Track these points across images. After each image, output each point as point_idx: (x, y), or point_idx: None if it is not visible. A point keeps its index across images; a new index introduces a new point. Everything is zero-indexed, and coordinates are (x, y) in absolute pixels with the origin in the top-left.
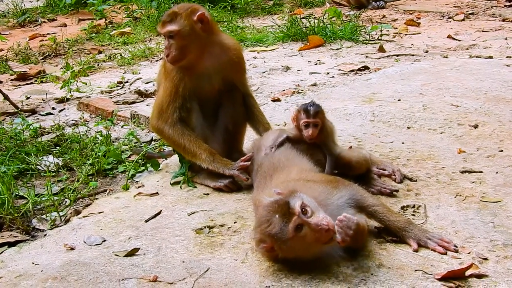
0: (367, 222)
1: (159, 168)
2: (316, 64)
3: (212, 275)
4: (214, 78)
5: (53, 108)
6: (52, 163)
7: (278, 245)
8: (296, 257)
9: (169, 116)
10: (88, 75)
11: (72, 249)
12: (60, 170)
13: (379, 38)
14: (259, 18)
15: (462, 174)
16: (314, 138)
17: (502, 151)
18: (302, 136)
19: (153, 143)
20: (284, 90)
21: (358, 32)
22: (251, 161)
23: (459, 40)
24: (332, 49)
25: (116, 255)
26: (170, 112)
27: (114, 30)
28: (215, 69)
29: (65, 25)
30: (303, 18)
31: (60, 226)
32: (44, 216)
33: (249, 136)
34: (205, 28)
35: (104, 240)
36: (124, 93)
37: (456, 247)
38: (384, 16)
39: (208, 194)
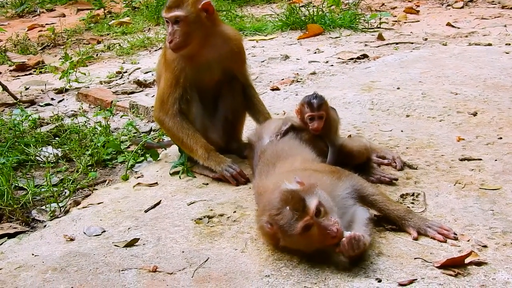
0: (372, 231)
1: (158, 158)
2: (315, 52)
3: (211, 265)
4: (215, 68)
5: (52, 99)
6: (51, 154)
7: (282, 235)
8: (296, 249)
9: (169, 107)
10: (87, 66)
11: (71, 240)
12: (59, 161)
13: (378, 26)
14: (258, 7)
15: (461, 161)
16: (320, 130)
17: (501, 138)
18: (305, 125)
19: (152, 133)
20: (283, 79)
21: (357, 20)
22: (252, 147)
23: (458, 28)
24: (331, 37)
25: (115, 245)
26: (171, 103)
27: (113, 20)
28: (215, 59)
29: (64, 15)
30: (302, 6)
31: (60, 217)
32: (43, 207)
33: (248, 125)
34: (209, 18)
35: (104, 231)
36: (123, 83)
37: (456, 234)
38: (383, 4)
39: (207, 184)
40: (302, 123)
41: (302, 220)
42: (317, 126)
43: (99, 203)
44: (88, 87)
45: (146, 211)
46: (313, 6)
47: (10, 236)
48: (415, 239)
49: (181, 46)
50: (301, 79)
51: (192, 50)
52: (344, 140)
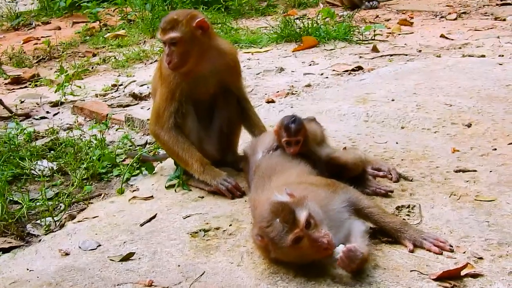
0: (369, 244)
1: (154, 172)
2: (310, 65)
3: (207, 279)
4: (210, 82)
5: (47, 112)
6: (46, 167)
7: (273, 247)
8: (289, 261)
9: (165, 121)
10: (82, 78)
11: (67, 254)
12: (54, 174)
13: (373, 38)
14: (253, 19)
15: (456, 173)
16: (296, 153)
17: (495, 149)
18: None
19: (147, 146)
20: (278, 92)
21: (352, 32)
22: (247, 160)
23: (452, 39)
24: (326, 49)
25: (111, 260)
26: (166, 117)
27: (108, 32)
28: (211, 73)
29: (59, 28)
30: (297, 19)
31: (55, 231)
32: (38, 221)
33: (244, 138)
34: (204, 34)
35: (99, 245)
36: (118, 96)
37: (452, 246)
38: (377, 16)
39: (203, 197)
40: (279, 144)
41: (292, 233)
42: (293, 151)
43: (94, 217)
44: (84, 100)
45: (141, 225)
46: (308, 18)
47: (5, 251)
48: (411, 251)
49: (179, 65)
50: (296, 91)
51: (189, 67)
52: (338, 152)
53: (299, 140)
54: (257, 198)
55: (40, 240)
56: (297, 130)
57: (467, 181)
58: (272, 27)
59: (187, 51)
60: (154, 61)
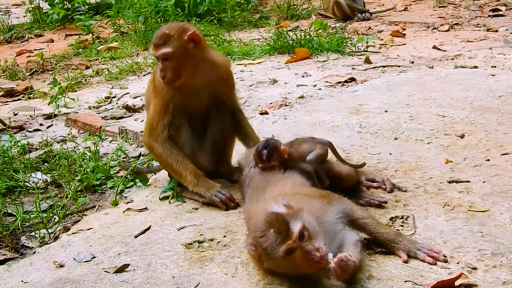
0: (362, 252)
1: (148, 183)
2: (303, 76)
3: None
4: (203, 94)
5: (41, 124)
6: (40, 179)
7: (266, 257)
8: (281, 273)
9: (158, 134)
10: (75, 91)
11: (61, 266)
12: (48, 186)
13: (365, 49)
14: (245, 31)
15: (450, 184)
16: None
17: (488, 160)
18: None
19: (141, 158)
20: (271, 103)
21: (344, 44)
22: (242, 172)
23: (444, 51)
24: (318, 61)
25: (106, 271)
26: (160, 130)
27: (101, 45)
28: (204, 85)
29: (52, 41)
30: (290, 30)
31: (49, 243)
32: (33, 233)
33: (238, 149)
34: (196, 46)
35: (94, 257)
36: (112, 108)
37: (446, 257)
38: (369, 28)
39: (197, 208)
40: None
41: (284, 244)
42: None
43: (88, 229)
44: (77, 112)
45: (136, 237)
46: (301, 30)
47: (0, 263)
48: (405, 262)
49: (173, 80)
50: (290, 103)
51: (183, 80)
52: (332, 164)
53: (274, 165)
54: (252, 209)
55: (34, 252)
56: (269, 156)
57: (461, 192)
58: (265, 39)
59: (180, 65)
60: (147, 73)
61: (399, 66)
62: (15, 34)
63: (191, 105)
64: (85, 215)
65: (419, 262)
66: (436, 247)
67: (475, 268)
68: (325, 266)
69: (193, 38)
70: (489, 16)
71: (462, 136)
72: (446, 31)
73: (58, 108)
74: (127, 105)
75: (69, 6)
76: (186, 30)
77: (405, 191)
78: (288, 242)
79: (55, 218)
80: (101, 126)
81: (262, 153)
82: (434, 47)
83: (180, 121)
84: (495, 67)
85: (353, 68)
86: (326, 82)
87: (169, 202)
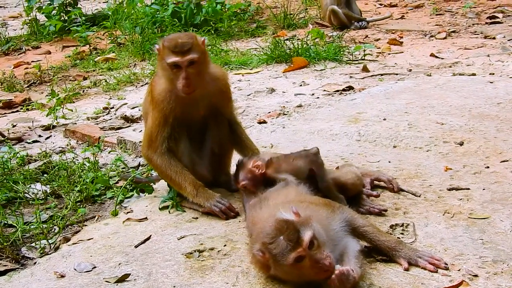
0: (363, 264)
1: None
2: (301, 85)
3: None
4: (201, 105)
5: (40, 136)
6: (40, 190)
7: (274, 264)
8: (287, 280)
9: (158, 146)
10: (73, 102)
11: (62, 276)
12: (48, 197)
13: (363, 58)
14: (242, 41)
15: (450, 191)
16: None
17: (488, 167)
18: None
19: (140, 168)
20: (269, 112)
21: (342, 52)
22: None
23: (442, 58)
24: (316, 70)
25: (106, 281)
26: (159, 142)
27: (99, 56)
28: (203, 96)
29: (50, 52)
30: (287, 40)
31: (50, 253)
32: (33, 244)
33: (236, 158)
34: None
35: (94, 267)
36: (110, 119)
37: (447, 264)
38: (366, 36)
39: (197, 218)
40: None
41: (295, 251)
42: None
43: (89, 239)
44: (76, 123)
45: (136, 246)
46: (298, 39)
47: (0, 274)
48: (406, 269)
49: (195, 88)
50: (288, 111)
51: (199, 88)
52: (335, 173)
53: (245, 185)
54: (256, 215)
55: (35, 263)
56: (236, 176)
57: (461, 199)
58: (262, 48)
59: (201, 72)
60: (145, 84)
61: (397, 74)
62: (13, 46)
63: (190, 116)
64: (85, 225)
65: (420, 270)
66: (437, 254)
67: (476, 276)
68: (332, 275)
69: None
70: (486, 23)
71: (461, 144)
72: (444, 38)
73: (56, 119)
74: (125, 115)
75: (66, 18)
76: (200, 38)
77: (419, 196)
78: (298, 250)
79: (55, 229)
80: (99, 137)
81: (236, 176)
82: (432, 54)
83: (178, 133)
84: (493, 74)
85: (350, 77)
86: (324, 90)
87: (169, 211)
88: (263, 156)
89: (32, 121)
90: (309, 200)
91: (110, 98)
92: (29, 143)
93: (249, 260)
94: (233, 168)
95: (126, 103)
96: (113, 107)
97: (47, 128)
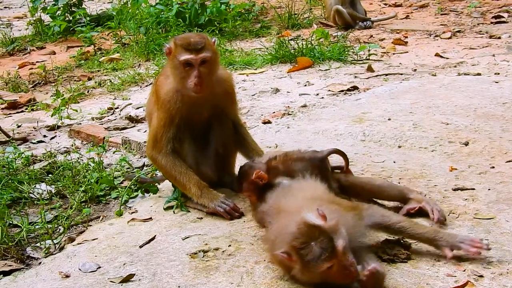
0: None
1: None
2: (306, 85)
3: None
4: (206, 106)
5: (45, 136)
6: (45, 191)
7: (302, 268)
8: (307, 282)
9: (162, 146)
10: (78, 102)
11: (67, 276)
12: (53, 197)
13: (367, 58)
14: (247, 41)
15: (455, 191)
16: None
17: (493, 167)
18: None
19: (145, 168)
20: (274, 112)
21: (346, 52)
22: None
23: (447, 58)
24: (320, 70)
25: (111, 281)
26: (164, 143)
27: (103, 56)
28: (208, 98)
29: (54, 53)
30: (291, 40)
31: (55, 253)
32: (38, 244)
33: (241, 158)
34: None
35: (99, 267)
36: (114, 119)
37: (488, 245)
38: (371, 36)
39: (201, 218)
40: None
41: (330, 261)
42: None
43: (93, 239)
44: (80, 123)
45: (141, 247)
46: (302, 39)
47: (6, 274)
48: (451, 258)
49: (206, 87)
50: (292, 112)
51: (209, 88)
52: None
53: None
54: (281, 204)
55: (40, 263)
56: (239, 184)
57: (466, 199)
58: (267, 48)
59: (212, 71)
60: (149, 84)
61: (401, 74)
62: (17, 47)
63: (195, 117)
64: (90, 225)
65: (425, 270)
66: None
67: (481, 276)
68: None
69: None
70: (491, 23)
71: (466, 144)
72: (449, 38)
73: (61, 119)
74: (130, 115)
75: (71, 18)
76: (210, 38)
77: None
78: (333, 260)
79: (60, 229)
80: (104, 137)
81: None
82: (437, 54)
83: (183, 133)
84: (498, 74)
85: (355, 77)
86: (329, 90)
87: (174, 212)
88: (263, 160)
89: (37, 122)
90: (337, 202)
91: (115, 98)
92: (34, 143)
93: (268, 256)
94: (237, 169)
95: (130, 103)
96: (117, 107)
97: (52, 128)
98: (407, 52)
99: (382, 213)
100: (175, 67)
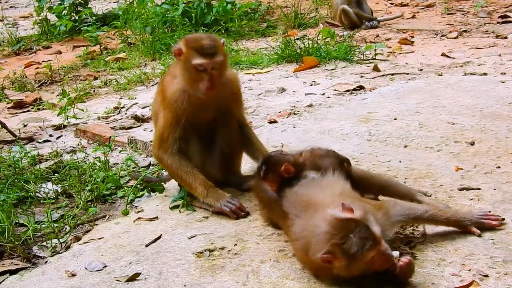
0: None
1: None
2: (312, 85)
3: None
4: (212, 106)
5: (51, 135)
6: (51, 190)
7: (348, 263)
8: (349, 275)
9: (169, 146)
10: (84, 102)
11: (73, 275)
12: (59, 197)
13: (373, 57)
14: (253, 40)
15: (460, 191)
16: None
17: (499, 167)
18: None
19: (151, 167)
20: (280, 112)
21: (352, 52)
22: None
23: (453, 58)
24: (327, 69)
25: (117, 280)
26: (170, 142)
27: (109, 56)
28: (215, 98)
29: (60, 52)
30: (297, 39)
31: (61, 252)
32: (44, 243)
33: (247, 158)
34: None
35: (105, 266)
36: (121, 119)
37: (500, 216)
38: (377, 36)
39: (207, 217)
40: None
41: (374, 248)
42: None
43: (99, 238)
44: (86, 123)
45: (147, 246)
46: (308, 39)
47: (12, 272)
48: (480, 235)
49: (216, 89)
50: (298, 111)
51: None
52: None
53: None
54: (310, 200)
55: (46, 262)
56: (265, 174)
57: (471, 199)
58: (273, 48)
59: (222, 74)
60: (155, 83)
61: (407, 74)
62: (23, 46)
63: (201, 117)
64: (96, 224)
65: (430, 269)
66: (447, 254)
67: (486, 276)
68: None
69: None
70: (498, 22)
71: (472, 144)
72: (455, 38)
73: (67, 119)
74: (136, 115)
75: (77, 18)
76: (221, 39)
77: (430, 196)
78: (377, 247)
79: (66, 228)
80: (110, 137)
81: (261, 168)
82: (443, 54)
83: (189, 133)
84: (504, 74)
85: (361, 76)
86: (335, 90)
87: (180, 211)
88: (292, 154)
89: (43, 121)
90: (365, 200)
91: (121, 98)
92: (40, 142)
93: (300, 261)
94: (243, 168)
95: (136, 103)
96: (123, 107)
97: (58, 127)
98: (413, 51)
99: (408, 206)
100: (186, 70)
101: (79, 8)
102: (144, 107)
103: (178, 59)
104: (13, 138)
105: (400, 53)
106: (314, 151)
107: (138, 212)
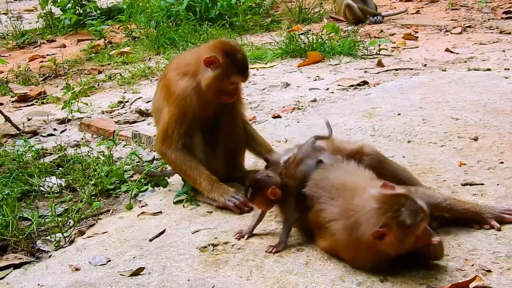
0: None
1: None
2: (316, 80)
3: None
4: (215, 104)
5: (55, 129)
6: (55, 184)
7: (402, 236)
8: (397, 252)
9: (173, 141)
10: (88, 96)
11: (77, 269)
12: (63, 191)
13: (378, 52)
14: (257, 35)
15: (464, 186)
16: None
17: (502, 163)
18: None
19: (155, 162)
20: (284, 107)
21: (356, 47)
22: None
23: (457, 53)
24: (331, 64)
25: (121, 275)
26: (175, 138)
27: (114, 50)
28: None
29: (65, 46)
30: (301, 34)
31: (65, 247)
32: (48, 237)
33: (249, 154)
34: None
35: (109, 260)
36: (125, 113)
37: None
38: (382, 31)
39: (211, 212)
40: None
41: (426, 220)
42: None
43: (103, 233)
44: (90, 117)
45: (150, 240)
46: (312, 33)
47: (16, 266)
48: (499, 229)
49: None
50: (302, 106)
51: None
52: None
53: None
54: (347, 183)
55: (50, 256)
56: (252, 196)
57: (475, 195)
58: (277, 42)
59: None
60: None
61: (411, 69)
62: (28, 40)
63: (204, 113)
64: (100, 219)
65: (433, 265)
66: (451, 249)
67: (489, 271)
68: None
69: None
70: (502, 18)
71: (475, 139)
72: (459, 33)
73: (71, 113)
74: (140, 109)
75: (81, 11)
76: None
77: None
78: (427, 218)
79: (70, 222)
80: (114, 131)
81: (248, 190)
82: (447, 49)
83: (193, 129)
84: (508, 69)
85: (365, 71)
86: (339, 85)
87: (183, 205)
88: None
89: (47, 115)
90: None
91: (125, 92)
92: (44, 136)
93: (330, 247)
94: (247, 163)
95: (141, 97)
96: (127, 101)
97: (62, 121)
98: (417, 47)
99: (428, 193)
100: (218, 80)
101: (83, 2)
102: (148, 101)
103: (210, 67)
104: (17, 132)
105: (404, 49)
106: (288, 165)
107: (142, 206)
